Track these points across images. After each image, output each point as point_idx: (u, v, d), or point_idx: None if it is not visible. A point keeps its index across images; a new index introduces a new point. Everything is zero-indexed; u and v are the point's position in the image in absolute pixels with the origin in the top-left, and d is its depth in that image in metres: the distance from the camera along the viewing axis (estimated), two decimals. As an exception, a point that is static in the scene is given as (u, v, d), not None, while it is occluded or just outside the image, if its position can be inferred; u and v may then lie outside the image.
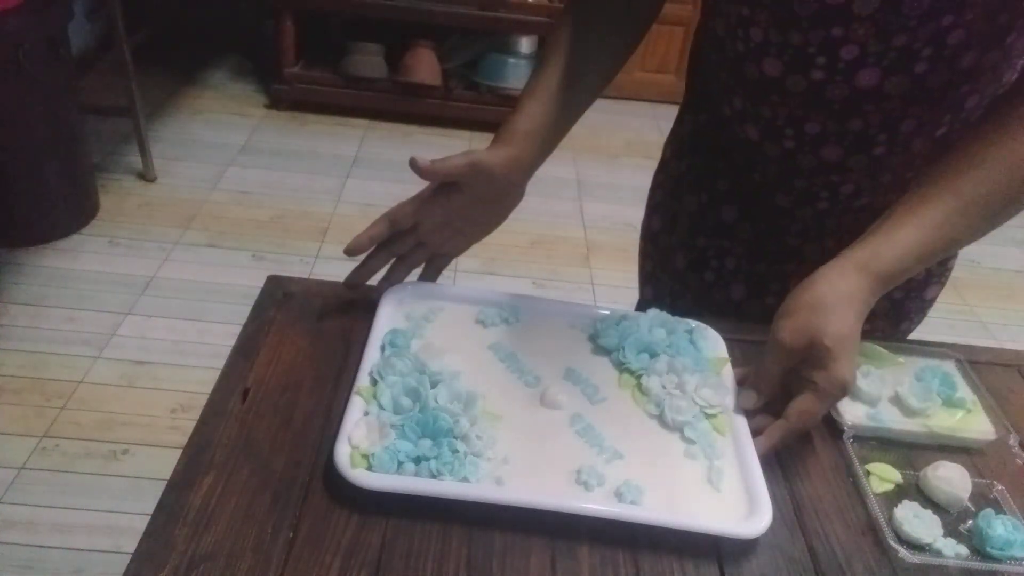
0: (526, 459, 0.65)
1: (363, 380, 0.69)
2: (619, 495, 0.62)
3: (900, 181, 0.85)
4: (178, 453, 0.63)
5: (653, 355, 0.75)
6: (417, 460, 0.62)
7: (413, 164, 0.74)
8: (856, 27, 0.73)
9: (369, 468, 0.61)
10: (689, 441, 0.68)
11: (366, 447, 0.63)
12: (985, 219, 0.71)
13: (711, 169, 0.97)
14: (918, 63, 0.74)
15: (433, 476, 0.61)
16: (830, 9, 0.73)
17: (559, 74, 0.80)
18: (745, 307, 0.99)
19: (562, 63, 0.81)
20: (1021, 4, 0.71)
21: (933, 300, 0.99)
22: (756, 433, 0.69)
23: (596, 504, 0.61)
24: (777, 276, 0.97)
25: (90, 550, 1.56)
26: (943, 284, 0.98)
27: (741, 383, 0.74)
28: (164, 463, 1.71)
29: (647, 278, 1.09)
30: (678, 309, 0.84)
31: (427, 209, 0.79)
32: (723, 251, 0.98)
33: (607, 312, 0.81)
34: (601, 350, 0.77)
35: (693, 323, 0.80)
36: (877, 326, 0.69)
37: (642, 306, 1.10)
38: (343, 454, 0.61)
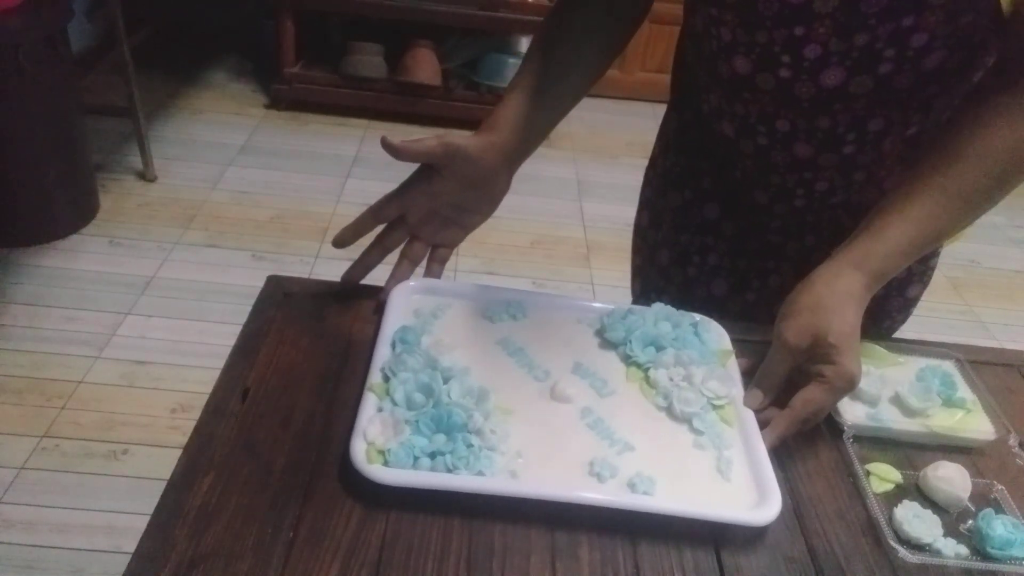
0: (539, 452, 0.66)
1: (375, 377, 0.69)
2: (632, 486, 0.63)
3: (873, 180, 0.85)
4: (178, 453, 0.63)
5: (659, 348, 0.76)
6: (433, 455, 0.63)
7: (385, 144, 0.75)
8: (817, 26, 0.73)
9: (385, 464, 0.61)
10: (698, 432, 0.69)
11: (381, 443, 0.63)
12: (969, 210, 0.72)
13: (695, 167, 0.98)
14: (882, 64, 0.75)
15: (449, 471, 0.62)
16: (792, 8, 0.73)
17: (542, 70, 0.81)
18: (726, 303, 0.99)
19: (546, 59, 0.82)
20: (982, 5, 0.71)
21: (916, 299, 0.99)
22: (763, 425, 0.69)
23: (612, 495, 0.62)
24: (758, 273, 0.97)
25: (90, 550, 1.56)
26: (925, 283, 0.99)
27: (747, 374, 0.74)
28: (164, 463, 1.71)
29: (636, 272, 1.10)
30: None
31: (410, 197, 0.80)
32: (706, 247, 0.99)
33: (613, 307, 0.81)
34: (608, 344, 0.78)
35: (697, 316, 0.81)
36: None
37: (634, 301, 1.10)
38: (359, 450, 0.62)
